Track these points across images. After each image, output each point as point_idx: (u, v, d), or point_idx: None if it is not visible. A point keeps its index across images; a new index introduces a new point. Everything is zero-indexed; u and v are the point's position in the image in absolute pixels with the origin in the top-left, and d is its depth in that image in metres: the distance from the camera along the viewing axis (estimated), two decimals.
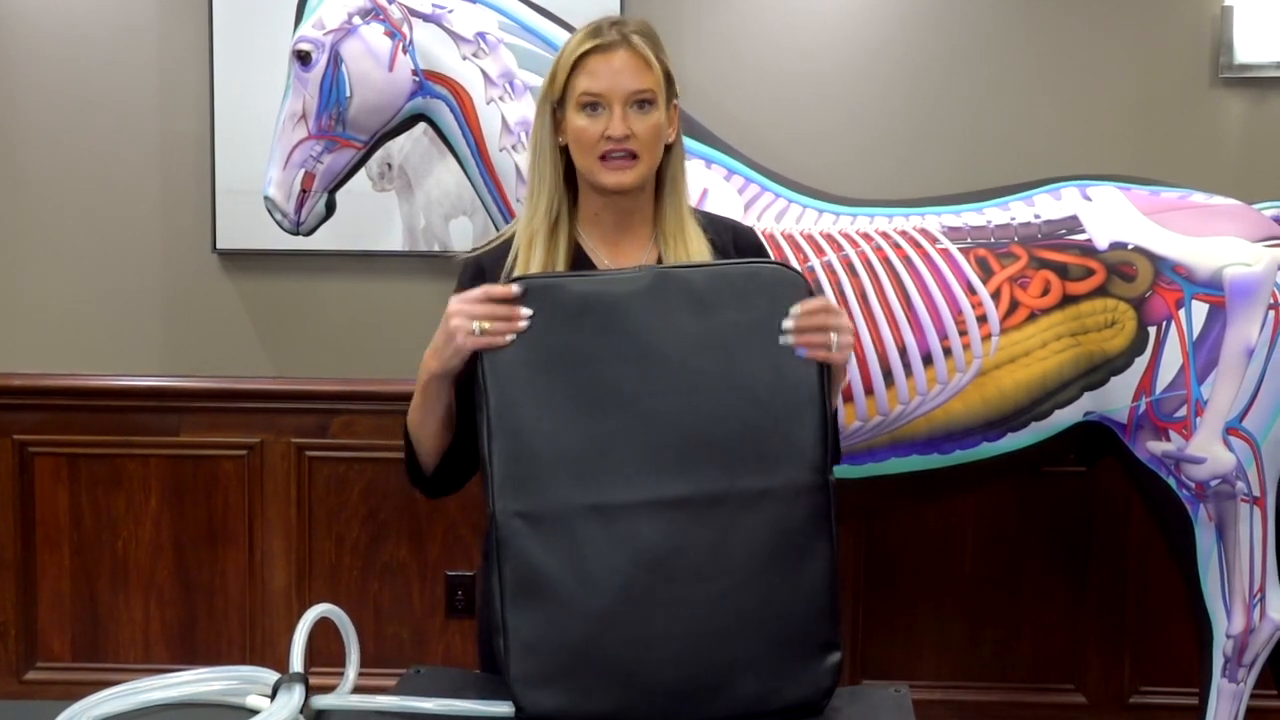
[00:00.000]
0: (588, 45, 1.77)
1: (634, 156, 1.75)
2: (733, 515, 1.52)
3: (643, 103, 1.76)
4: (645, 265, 1.72)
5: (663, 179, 1.82)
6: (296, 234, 2.69)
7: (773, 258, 1.61)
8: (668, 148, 1.81)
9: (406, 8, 2.55)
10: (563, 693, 1.51)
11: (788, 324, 1.56)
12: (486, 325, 1.55)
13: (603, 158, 1.75)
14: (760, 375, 1.55)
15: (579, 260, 1.81)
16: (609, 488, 1.51)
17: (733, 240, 1.85)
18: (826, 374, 1.59)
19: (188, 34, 3.14)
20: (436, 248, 3.14)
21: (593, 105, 1.76)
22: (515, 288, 1.56)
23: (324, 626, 1.59)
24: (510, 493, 1.53)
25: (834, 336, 1.58)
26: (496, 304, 1.56)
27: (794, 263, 2.45)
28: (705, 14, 3.10)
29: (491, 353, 1.55)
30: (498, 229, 2.65)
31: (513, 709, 1.51)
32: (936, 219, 2.52)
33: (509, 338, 1.54)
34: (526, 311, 1.54)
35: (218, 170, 3.13)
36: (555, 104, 1.79)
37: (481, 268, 1.82)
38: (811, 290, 1.59)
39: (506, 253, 1.82)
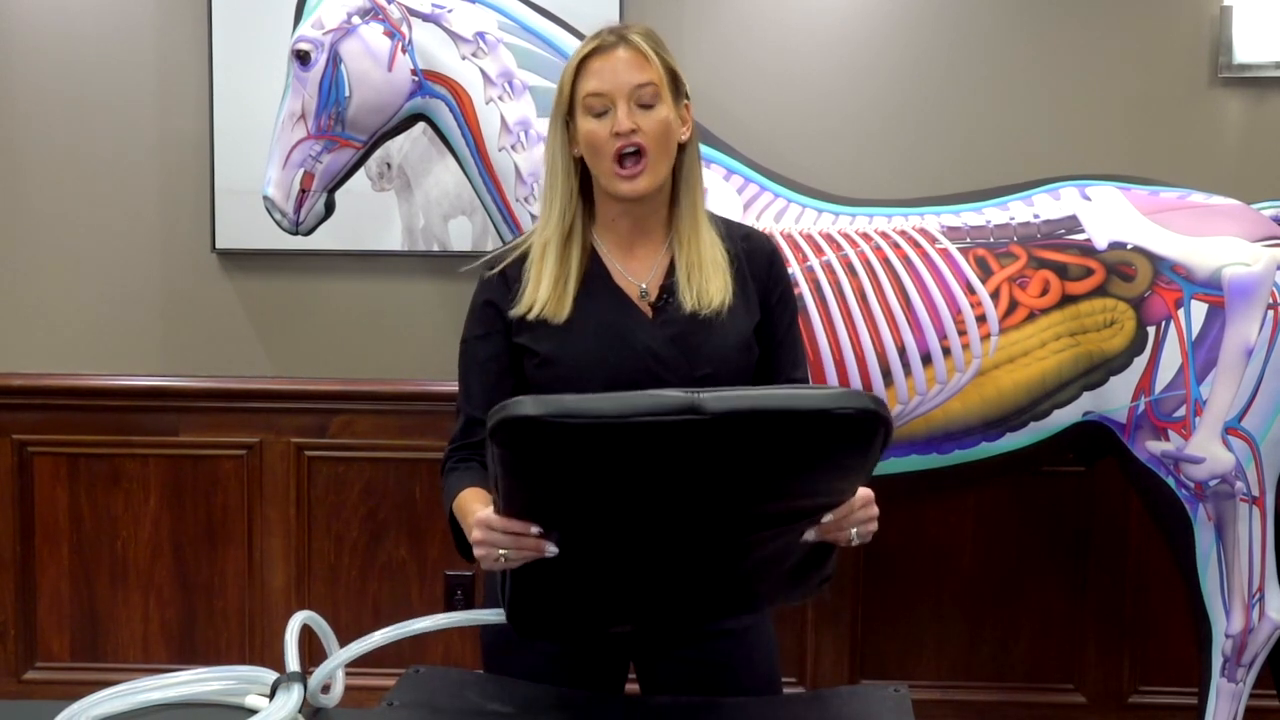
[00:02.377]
0: (587, 50, 1.78)
1: (643, 154, 1.75)
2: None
3: (646, 98, 1.76)
4: (693, 394, 1.35)
5: (677, 180, 1.82)
6: (295, 234, 2.69)
7: (841, 390, 1.40)
8: (681, 147, 1.82)
9: (406, 7, 2.55)
10: (552, 623, 1.61)
11: (810, 535, 1.51)
12: (511, 555, 1.49)
13: (616, 161, 1.75)
14: (802, 483, 1.44)
15: (593, 265, 1.80)
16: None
17: (744, 247, 1.84)
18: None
19: (187, 34, 3.14)
20: (436, 247, 3.14)
21: (599, 107, 1.76)
22: (535, 528, 1.46)
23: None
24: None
25: (854, 531, 1.54)
26: (520, 537, 1.48)
27: (793, 262, 2.45)
28: (705, 15, 3.10)
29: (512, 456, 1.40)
30: (497, 229, 2.66)
31: (504, 616, 1.56)
32: (936, 219, 2.52)
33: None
34: (553, 549, 1.47)
35: (217, 170, 3.13)
36: (566, 116, 1.80)
37: (506, 278, 1.81)
38: (887, 430, 1.40)
39: (524, 260, 1.82)
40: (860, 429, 1.37)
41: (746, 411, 1.33)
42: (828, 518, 1.50)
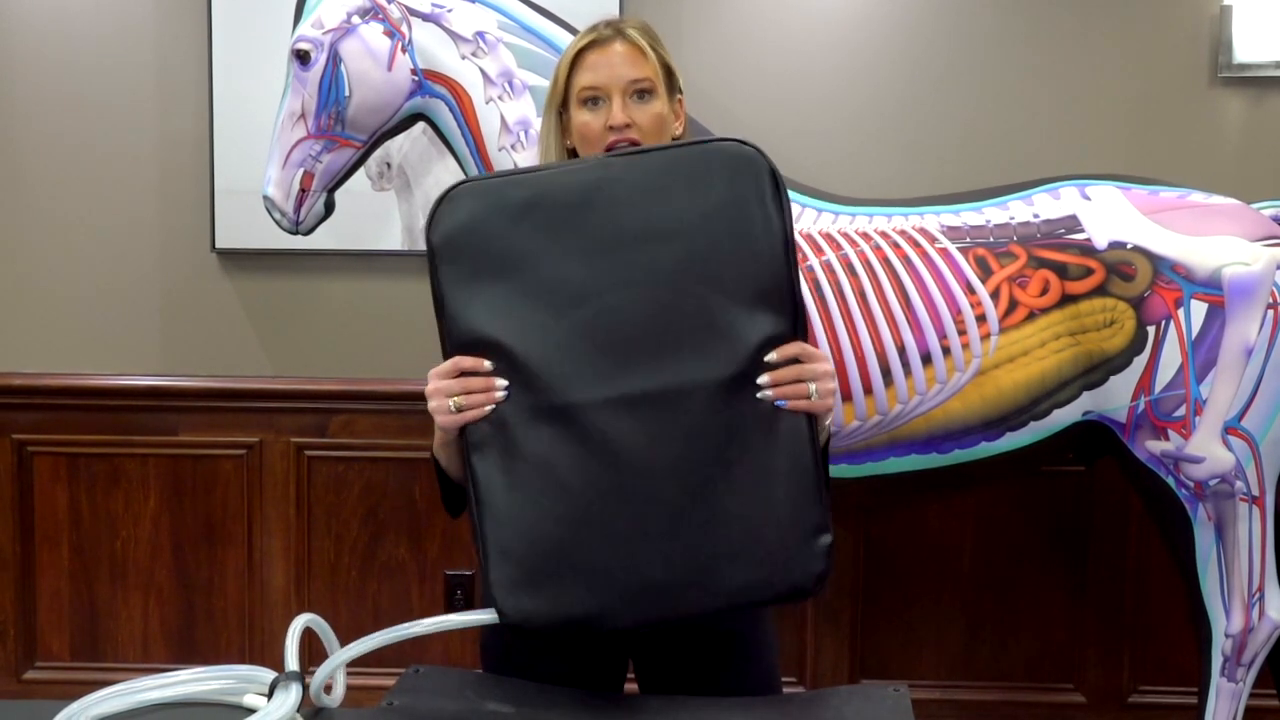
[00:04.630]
0: (583, 43, 1.81)
1: (636, 145, 1.76)
2: (701, 404, 1.48)
3: (641, 92, 1.78)
4: (595, 155, 1.67)
5: None
6: (295, 233, 2.69)
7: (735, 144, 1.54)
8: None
9: (405, 7, 2.55)
10: (543, 596, 1.48)
11: (764, 379, 1.50)
12: (462, 401, 1.51)
13: (607, 149, 1.77)
14: (722, 261, 1.50)
15: None
16: (570, 389, 1.48)
17: None
18: (792, 250, 1.53)
19: (186, 34, 3.14)
20: None
21: (593, 99, 1.78)
22: (487, 363, 1.50)
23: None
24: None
25: (812, 387, 1.51)
26: (469, 377, 1.51)
27: None
28: (705, 14, 3.10)
29: (446, 264, 1.51)
30: None
31: (496, 615, 1.50)
32: (935, 218, 2.52)
33: (488, 408, 1.50)
34: (502, 383, 1.50)
35: (216, 170, 3.13)
36: (560, 107, 1.82)
37: None
38: (774, 169, 1.52)
39: None
40: (744, 161, 1.51)
41: (641, 151, 1.58)
42: (772, 356, 1.49)
